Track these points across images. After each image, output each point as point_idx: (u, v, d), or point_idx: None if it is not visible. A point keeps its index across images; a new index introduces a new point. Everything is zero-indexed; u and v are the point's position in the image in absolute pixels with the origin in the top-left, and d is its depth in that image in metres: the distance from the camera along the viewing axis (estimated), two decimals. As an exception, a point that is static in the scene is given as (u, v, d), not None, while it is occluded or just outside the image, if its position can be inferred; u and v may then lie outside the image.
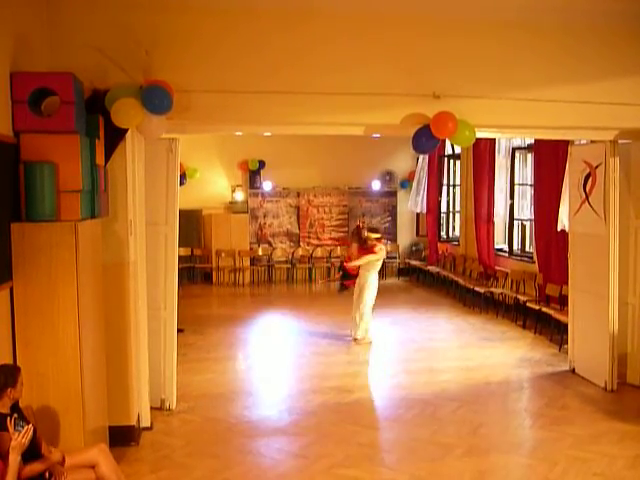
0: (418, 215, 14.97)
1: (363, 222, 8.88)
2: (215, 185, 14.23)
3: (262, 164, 14.07)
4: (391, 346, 8.67)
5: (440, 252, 13.82)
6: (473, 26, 5.50)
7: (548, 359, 7.70)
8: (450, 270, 12.93)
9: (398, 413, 5.92)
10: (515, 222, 11.14)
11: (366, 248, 8.77)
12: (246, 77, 5.17)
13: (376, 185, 14.68)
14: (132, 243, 5.06)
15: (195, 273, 14.04)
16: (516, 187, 11.06)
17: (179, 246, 6.06)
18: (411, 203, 14.68)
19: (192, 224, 13.62)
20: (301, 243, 14.49)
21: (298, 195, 14.40)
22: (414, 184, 14.51)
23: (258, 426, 5.66)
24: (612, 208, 6.33)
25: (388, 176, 14.84)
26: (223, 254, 13.84)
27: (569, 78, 5.66)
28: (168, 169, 5.79)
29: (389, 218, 14.90)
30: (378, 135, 6.27)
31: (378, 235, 8.97)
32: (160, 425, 5.53)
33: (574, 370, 7.08)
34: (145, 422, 5.38)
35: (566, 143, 7.32)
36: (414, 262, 14.56)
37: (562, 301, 8.33)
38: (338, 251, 14.31)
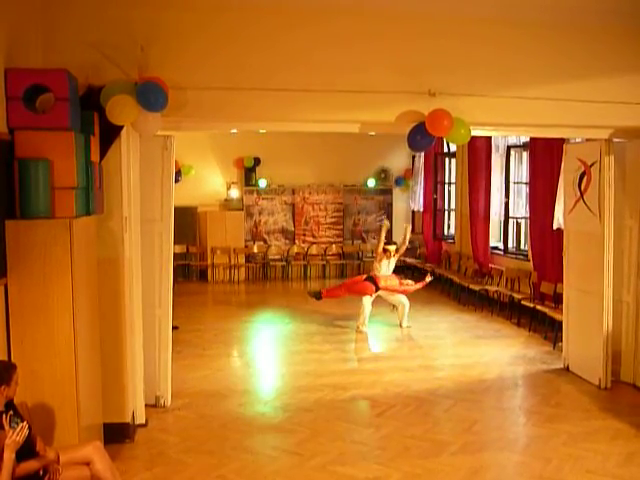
0: (414, 213, 14.99)
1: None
2: (210, 182, 14.20)
3: (257, 161, 14.06)
4: (386, 343, 8.68)
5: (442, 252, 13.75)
6: (469, 24, 5.50)
7: (542, 357, 7.72)
8: (445, 268, 12.95)
9: (392, 410, 5.93)
10: (510, 220, 11.16)
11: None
12: (242, 74, 5.16)
13: (371, 183, 14.70)
14: (127, 240, 5.04)
15: (190, 270, 14.02)
16: (511, 185, 11.08)
17: (174, 243, 6.06)
18: (411, 201, 14.75)
19: (187, 221, 13.57)
20: (296, 240, 14.48)
21: (293, 192, 14.39)
22: (413, 182, 14.54)
23: (253, 423, 5.67)
24: (607, 206, 6.34)
25: (383, 174, 14.86)
26: (218, 251, 13.82)
27: (564, 76, 5.67)
28: (163, 166, 5.78)
29: (384, 216, 14.90)
30: (373, 133, 6.26)
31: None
32: (155, 422, 5.53)
33: (568, 368, 7.10)
34: (140, 419, 5.38)
35: (561, 141, 7.33)
36: (409, 260, 14.56)
37: (557, 299, 8.35)
38: (333, 249, 14.36)
